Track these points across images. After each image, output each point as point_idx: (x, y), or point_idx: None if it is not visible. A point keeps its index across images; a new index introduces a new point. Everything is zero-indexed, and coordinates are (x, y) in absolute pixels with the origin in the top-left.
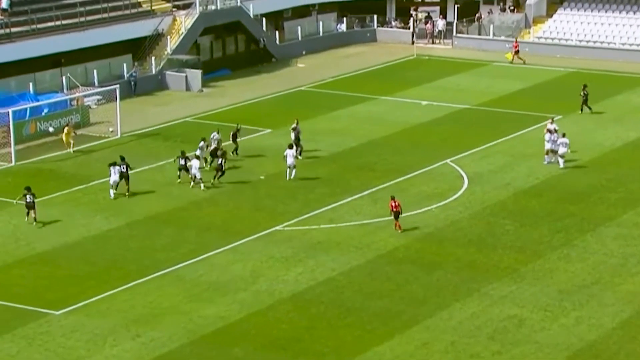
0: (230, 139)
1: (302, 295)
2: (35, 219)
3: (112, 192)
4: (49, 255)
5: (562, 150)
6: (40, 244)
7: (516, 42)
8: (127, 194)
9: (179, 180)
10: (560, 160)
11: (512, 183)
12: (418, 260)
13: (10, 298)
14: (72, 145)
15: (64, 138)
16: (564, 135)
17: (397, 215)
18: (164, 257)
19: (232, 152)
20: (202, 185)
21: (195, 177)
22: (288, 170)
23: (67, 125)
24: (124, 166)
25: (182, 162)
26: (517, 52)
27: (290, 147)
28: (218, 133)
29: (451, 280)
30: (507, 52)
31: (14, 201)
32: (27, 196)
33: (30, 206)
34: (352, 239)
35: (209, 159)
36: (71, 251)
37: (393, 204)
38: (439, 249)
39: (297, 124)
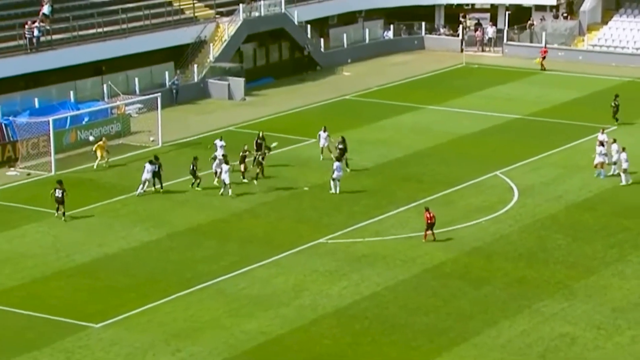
0: (255, 147)
1: (346, 310)
2: (64, 214)
3: (140, 188)
4: (89, 267)
5: (625, 164)
6: (79, 256)
7: (545, 48)
8: (160, 190)
9: (193, 186)
10: (623, 176)
11: (565, 196)
12: (466, 275)
13: (49, 310)
14: (106, 159)
15: (98, 152)
16: (623, 150)
17: (431, 226)
18: (204, 270)
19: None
20: (230, 191)
21: (224, 182)
22: (332, 182)
23: (101, 138)
24: (157, 166)
25: (192, 167)
26: (544, 57)
27: (337, 159)
28: (221, 140)
29: (500, 296)
30: (537, 58)
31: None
32: (57, 190)
33: (60, 201)
34: (397, 252)
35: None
36: (111, 263)
37: (428, 215)
38: (488, 264)
39: (326, 130)
